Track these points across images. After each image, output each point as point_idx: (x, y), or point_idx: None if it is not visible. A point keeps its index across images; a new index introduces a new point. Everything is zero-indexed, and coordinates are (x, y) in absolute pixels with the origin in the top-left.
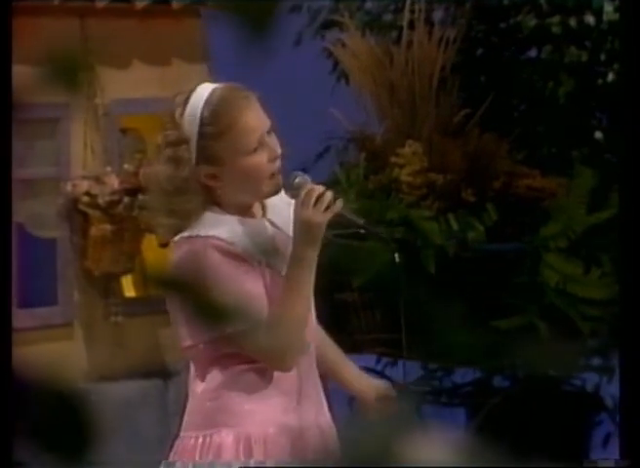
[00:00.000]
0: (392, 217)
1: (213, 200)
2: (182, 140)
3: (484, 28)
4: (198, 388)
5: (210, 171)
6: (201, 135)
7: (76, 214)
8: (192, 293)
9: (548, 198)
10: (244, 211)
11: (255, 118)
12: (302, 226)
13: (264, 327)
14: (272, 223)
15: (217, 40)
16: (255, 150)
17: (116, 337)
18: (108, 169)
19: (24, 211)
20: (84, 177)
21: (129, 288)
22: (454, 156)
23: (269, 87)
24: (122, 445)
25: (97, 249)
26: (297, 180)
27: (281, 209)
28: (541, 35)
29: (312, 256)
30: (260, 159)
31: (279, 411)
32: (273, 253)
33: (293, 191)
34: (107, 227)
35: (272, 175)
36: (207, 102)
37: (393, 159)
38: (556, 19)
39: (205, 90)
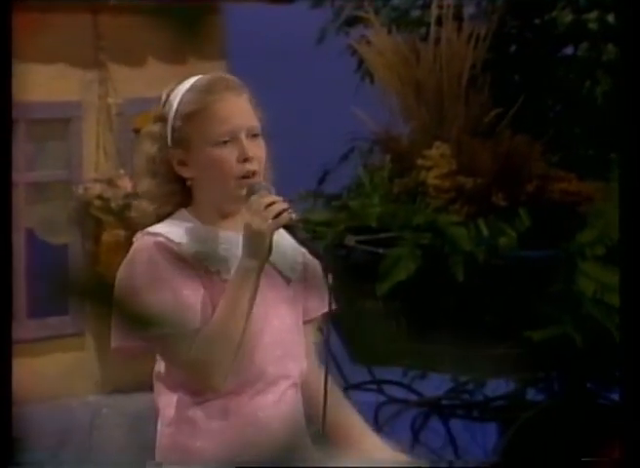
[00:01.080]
0: (419, 223)
1: (189, 201)
2: (161, 117)
3: (517, 24)
4: (158, 420)
5: (180, 156)
6: (175, 114)
7: (88, 218)
8: (123, 292)
9: (585, 203)
10: (220, 219)
11: (231, 109)
12: (246, 233)
13: (193, 336)
14: None
15: (235, 37)
16: (224, 143)
17: None
18: (122, 171)
19: (34, 215)
20: (96, 180)
21: None
22: (484, 158)
23: (291, 85)
24: (134, 459)
25: (110, 255)
26: (254, 188)
27: (281, 242)
28: (578, 32)
29: (254, 268)
30: (228, 154)
31: (232, 449)
32: (228, 265)
33: (248, 198)
34: (121, 233)
35: (243, 177)
36: (191, 85)
37: (420, 161)
38: (593, 14)
39: (198, 77)
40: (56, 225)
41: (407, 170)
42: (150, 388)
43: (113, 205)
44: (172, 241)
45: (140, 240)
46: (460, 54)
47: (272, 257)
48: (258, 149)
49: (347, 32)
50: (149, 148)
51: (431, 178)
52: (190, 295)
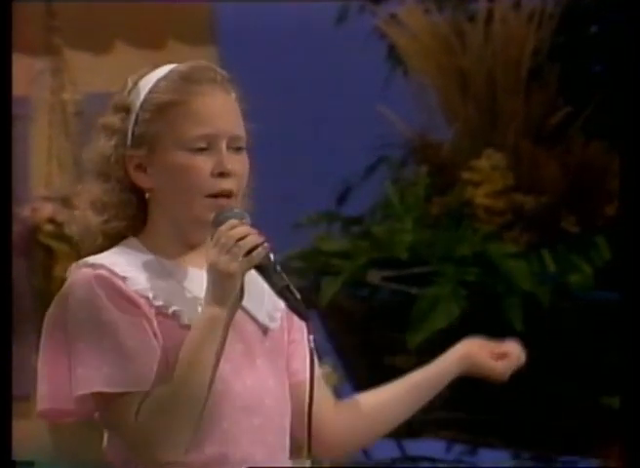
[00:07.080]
0: (463, 253)
1: (141, 227)
2: (123, 107)
3: None
4: None
5: (140, 158)
6: (143, 103)
7: (36, 247)
8: (52, 339)
9: None
10: (181, 250)
11: (215, 109)
12: (211, 274)
13: (141, 398)
14: None
15: (228, 16)
16: (199, 150)
17: None
18: (80, 187)
19: None
20: (47, 199)
21: None
22: (549, 171)
23: (302, 79)
24: None
25: None
26: (223, 215)
27: (257, 281)
28: None
29: (221, 316)
30: (202, 163)
31: None
32: (189, 307)
33: (215, 228)
34: None
35: (214, 196)
36: (169, 72)
37: (466, 175)
38: None
39: (179, 64)
40: None
41: (449, 186)
42: None
43: (68, 231)
44: (116, 274)
45: (76, 272)
46: (518, 36)
47: (245, 301)
48: (239, 165)
49: (374, 11)
50: (103, 144)
51: (480, 197)
52: (138, 347)
